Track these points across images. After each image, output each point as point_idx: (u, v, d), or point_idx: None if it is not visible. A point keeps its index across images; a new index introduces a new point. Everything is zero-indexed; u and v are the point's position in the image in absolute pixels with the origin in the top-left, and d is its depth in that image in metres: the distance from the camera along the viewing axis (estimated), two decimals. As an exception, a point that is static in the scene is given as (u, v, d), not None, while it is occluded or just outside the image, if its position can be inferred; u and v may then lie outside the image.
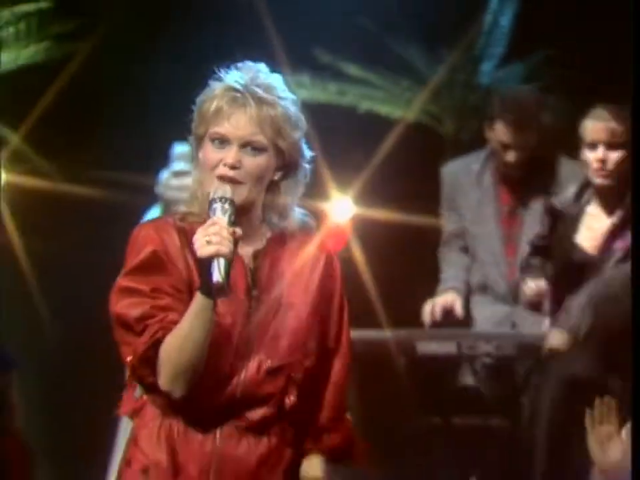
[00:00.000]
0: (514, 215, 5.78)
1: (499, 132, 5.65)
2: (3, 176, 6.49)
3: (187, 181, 5.49)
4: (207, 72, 5.35)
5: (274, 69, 5.84)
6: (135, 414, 2.84)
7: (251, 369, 2.81)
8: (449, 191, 5.97)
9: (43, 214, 6.61)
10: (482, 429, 5.45)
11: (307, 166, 2.85)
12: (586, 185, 5.28)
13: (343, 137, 6.68)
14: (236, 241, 2.59)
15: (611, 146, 5.15)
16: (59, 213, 6.49)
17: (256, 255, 2.79)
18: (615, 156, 5.16)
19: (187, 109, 2.88)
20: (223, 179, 2.65)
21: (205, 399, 2.78)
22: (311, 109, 6.03)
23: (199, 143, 2.77)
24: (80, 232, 6.61)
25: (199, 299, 2.57)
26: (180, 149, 5.84)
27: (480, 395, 5.62)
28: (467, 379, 5.68)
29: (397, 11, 6.85)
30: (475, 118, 6.83)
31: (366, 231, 6.45)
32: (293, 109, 2.76)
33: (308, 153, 2.81)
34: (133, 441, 2.88)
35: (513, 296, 5.68)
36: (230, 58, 5.57)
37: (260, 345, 2.86)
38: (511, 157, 5.59)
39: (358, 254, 6.27)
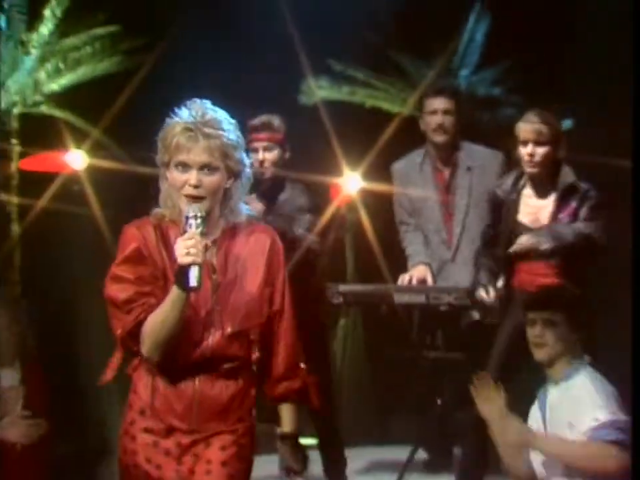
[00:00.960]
0: (447, 190, 6.51)
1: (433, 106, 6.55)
2: (86, 160, 7.49)
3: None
4: (256, 76, 6.27)
5: (300, 75, 6.70)
6: (133, 371, 3.58)
7: (216, 336, 3.52)
8: (399, 179, 6.76)
9: (117, 190, 7.41)
10: (445, 360, 6.34)
11: (248, 170, 3.63)
12: (520, 174, 5.99)
13: (353, 127, 7.63)
14: (205, 250, 3.35)
15: (537, 143, 5.86)
16: (129, 189, 6.97)
17: (214, 243, 3.54)
18: (541, 151, 5.88)
19: (236, 110, 3.77)
20: (189, 197, 3.38)
21: (183, 359, 3.52)
22: (328, 105, 7.27)
23: (165, 166, 3.48)
24: (146, 203, 7.46)
25: (175, 293, 3.30)
26: None
27: (444, 334, 6.51)
28: (434, 322, 6.55)
29: (394, 29, 7.76)
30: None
31: (370, 200, 7.43)
32: (234, 135, 3.50)
33: (247, 162, 3.60)
34: (133, 390, 3.60)
35: (452, 257, 6.52)
36: (270, 66, 6.50)
37: (222, 316, 3.56)
38: (434, 128, 6.41)
39: (365, 219, 7.37)
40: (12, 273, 7.52)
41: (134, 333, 3.48)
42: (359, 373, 8.43)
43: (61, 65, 7.69)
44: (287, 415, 4.87)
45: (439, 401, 6.28)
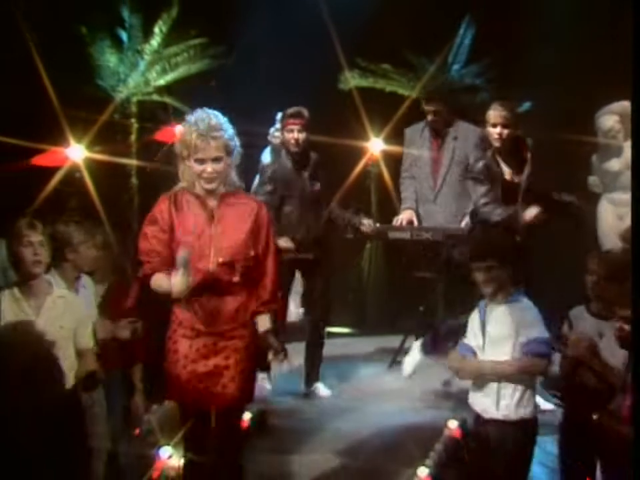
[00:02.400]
0: (438, 151, 7.54)
1: (426, 106, 7.53)
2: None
3: (278, 134, 7.39)
4: (307, 68, 8.50)
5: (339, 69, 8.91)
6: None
7: (213, 263, 4.67)
8: (407, 141, 7.86)
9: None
10: (425, 279, 7.45)
11: (239, 150, 4.70)
12: (490, 146, 6.91)
13: (377, 105, 8.92)
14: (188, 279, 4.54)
15: (503, 126, 6.81)
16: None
17: (215, 202, 4.68)
18: (506, 132, 6.85)
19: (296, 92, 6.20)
20: (206, 179, 4.59)
21: (196, 282, 4.62)
22: (359, 90, 8.88)
23: (185, 157, 4.60)
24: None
25: (167, 285, 4.54)
26: (278, 115, 7.81)
27: (425, 259, 7.59)
28: (418, 251, 7.64)
29: (405, 34, 9.04)
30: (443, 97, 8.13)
31: (389, 159, 8.78)
32: (230, 132, 4.62)
33: (238, 145, 4.68)
34: (173, 308, 4.84)
35: (434, 199, 7.53)
36: (317, 62, 8.53)
37: (217, 251, 4.70)
38: (430, 117, 7.52)
39: (384, 172, 8.68)
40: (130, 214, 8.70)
41: (146, 278, 4.77)
42: (377, 282, 9.89)
43: (166, 67, 9.15)
44: (265, 320, 5.18)
45: (421, 308, 7.44)
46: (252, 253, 4.69)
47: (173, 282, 4.51)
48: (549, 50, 8.62)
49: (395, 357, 7.85)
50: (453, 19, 9.23)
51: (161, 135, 8.73)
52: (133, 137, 8.99)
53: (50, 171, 7.79)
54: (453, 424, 6.16)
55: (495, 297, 5.06)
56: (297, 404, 7.34)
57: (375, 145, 8.85)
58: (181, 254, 4.49)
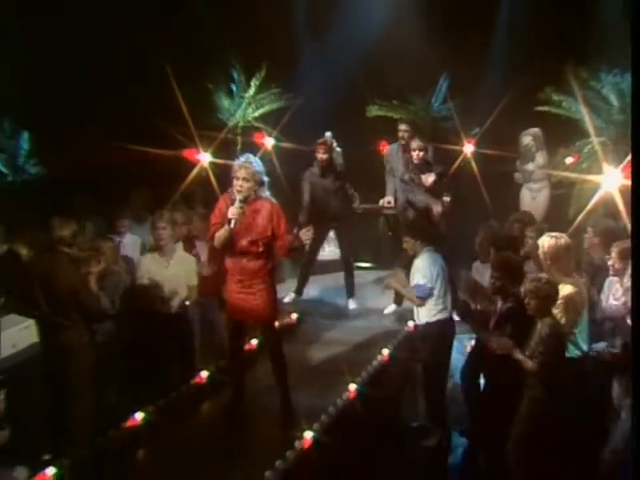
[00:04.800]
0: (407, 160, 7.74)
1: (400, 128, 8.00)
2: (275, 143, 9.31)
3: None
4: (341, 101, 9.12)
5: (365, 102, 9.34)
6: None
7: (244, 241, 5.31)
8: (387, 155, 8.30)
9: (296, 163, 8.64)
10: (400, 239, 6.39)
11: (265, 180, 5.32)
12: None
13: (389, 126, 8.79)
14: (240, 214, 5.10)
15: (420, 150, 7.25)
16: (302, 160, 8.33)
17: (247, 205, 5.26)
18: (421, 154, 7.27)
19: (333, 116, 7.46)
20: (238, 191, 5.19)
21: (235, 250, 5.35)
22: (378, 117, 9.21)
23: (233, 177, 5.25)
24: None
25: (225, 227, 5.16)
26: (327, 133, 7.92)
27: (398, 226, 7.66)
28: (395, 221, 8.04)
29: (408, 82, 9.38)
30: (429, 123, 9.33)
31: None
32: (258, 167, 5.26)
33: (265, 179, 5.34)
34: (226, 262, 5.51)
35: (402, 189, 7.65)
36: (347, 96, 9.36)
37: (247, 233, 5.32)
38: (402, 134, 7.93)
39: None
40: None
41: (212, 239, 5.35)
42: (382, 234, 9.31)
43: (257, 106, 9.64)
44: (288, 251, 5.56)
45: (399, 260, 6.89)
46: (269, 234, 5.41)
47: (230, 211, 5.17)
48: (496, 96, 8.91)
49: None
50: (435, 74, 9.59)
51: (257, 139, 9.39)
52: (239, 148, 9.39)
53: (185, 172, 8.21)
54: (410, 324, 7.03)
55: (412, 252, 5.71)
56: (337, 309, 8.35)
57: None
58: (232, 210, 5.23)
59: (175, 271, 6.33)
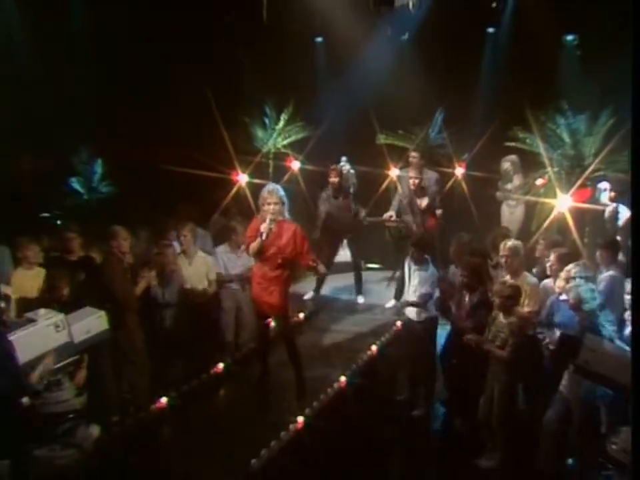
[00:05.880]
0: (413, 184, 7.74)
1: (410, 158, 8.15)
2: (300, 166, 9.39)
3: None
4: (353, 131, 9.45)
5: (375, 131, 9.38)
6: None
7: (270, 252, 5.59)
8: (398, 179, 8.51)
9: (317, 182, 8.78)
10: (404, 244, 6.74)
11: (286, 202, 5.52)
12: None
13: (395, 153, 9.09)
14: (270, 230, 5.44)
15: (415, 178, 7.45)
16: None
17: (275, 225, 5.52)
18: (417, 181, 7.41)
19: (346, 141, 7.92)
20: (271, 214, 5.46)
21: (262, 258, 5.64)
22: (386, 144, 9.26)
23: (262, 204, 5.50)
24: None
25: (257, 240, 5.46)
26: (343, 158, 8.68)
27: (398, 234, 7.82)
28: (397, 232, 7.95)
29: (410, 116, 9.46)
30: (428, 150, 9.26)
31: (404, 181, 8.21)
32: (282, 193, 5.54)
33: (287, 201, 5.53)
34: (254, 267, 5.85)
35: (408, 210, 7.80)
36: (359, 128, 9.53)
37: (272, 248, 5.59)
38: (413, 159, 8.07)
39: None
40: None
41: (248, 249, 5.63)
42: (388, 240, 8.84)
43: (285, 136, 9.75)
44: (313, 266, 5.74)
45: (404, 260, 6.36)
46: (290, 250, 5.69)
47: (262, 228, 5.42)
48: (482, 128, 9.07)
49: (389, 281, 8.74)
50: (433, 109, 9.68)
51: (287, 165, 9.55)
52: (270, 170, 9.65)
53: (226, 190, 8.35)
54: (398, 323, 7.33)
55: (418, 262, 5.85)
56: (348, 303, 8.58)
57: (394, 173, 9.07)
58: (263, 228, 5.48)
59: (196, 268, 6.67)
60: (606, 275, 5.61)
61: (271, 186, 5.61)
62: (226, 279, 6.85)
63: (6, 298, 5.54)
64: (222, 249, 6.93)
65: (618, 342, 4.60)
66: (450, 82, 9.02)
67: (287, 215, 5.66)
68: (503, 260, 5.47)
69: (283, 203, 5.58)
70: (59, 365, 4.83)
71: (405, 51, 9.90)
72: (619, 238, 6.34)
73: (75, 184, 8.53)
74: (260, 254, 5.62)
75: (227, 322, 6.84)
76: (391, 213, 8.13)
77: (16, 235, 6.24)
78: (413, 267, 5.80)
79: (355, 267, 8.51)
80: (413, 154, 8.25)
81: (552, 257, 5.38)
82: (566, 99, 7.38)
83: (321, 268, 5.83)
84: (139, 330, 5.85)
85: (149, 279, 6.14)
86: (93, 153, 8.67)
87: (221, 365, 6.55)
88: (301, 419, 5.55)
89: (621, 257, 5.96)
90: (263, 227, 5.44)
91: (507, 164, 8.70)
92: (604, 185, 7.38)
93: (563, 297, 4.94)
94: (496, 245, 5.71)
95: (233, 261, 6.84)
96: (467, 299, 5.43)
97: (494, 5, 9.43)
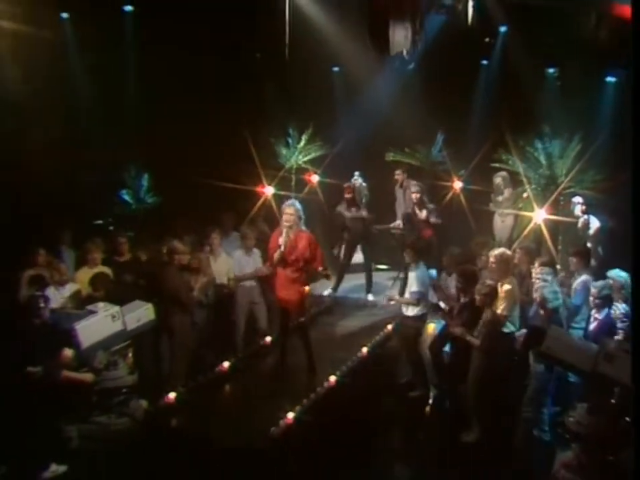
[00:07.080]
0: (405, 194, 8.46)
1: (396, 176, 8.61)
2: (319, 179, 9.46)
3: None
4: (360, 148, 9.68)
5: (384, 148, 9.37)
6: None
7: (290, 259, 5.96)
8: (395, 190, 8.93)
9: (334, 194, 9.03)
10: (403, 243, 6.86)
11: (302, 217, 5.86)
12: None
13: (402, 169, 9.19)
14: (287, 240, 5.77)
15: (417, 193, 7.86)
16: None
17: (292, 234, 5.89)
18: (418, 196, 7.85)
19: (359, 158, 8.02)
20: (287, 224, 5.85)
21: (283, 265, 6.00)
22: (393, 161, 9.33)
23: (280, 216, 5.96)
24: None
25: (278, 251, 5.81)
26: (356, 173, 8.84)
27: (402, 240, 7.88)
28: (400, 237, 8.53)
29: (415, 136, 9.52)
30: (429, 166, 9.51)
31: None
32: (299, 207, 5.93)
33: (302, 215, 5.89)
34: (277, 269, 6.08)
35: (403, 216, 8.49)
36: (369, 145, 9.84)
37: (292, 254, 5.95)
38: (398, 177, 8.70)
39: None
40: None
41: (269, 260, 5.98)
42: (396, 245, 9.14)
43: (306, 154, 9.65)
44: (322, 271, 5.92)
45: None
46: (307, 255, 6.01)
47: (280, 240, 5.71)
48: (477, 147, 9.09)
49: (394, 281, 8.83)
50: (435, 130, 9.77)
51: (307, 179, 9.65)
52: (293, 183, 9.69)
53: (254, 200, 8.47)
54: (390, 327, 7.59)
55: (412, 262, 6.10)
56: (358, 301, 8.85)
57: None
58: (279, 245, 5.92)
59: (219, 265, 7.06)
60: (580, 280, 5.80)
61: (290, 201, 6.02)
62: (241, 278, 7.13)
63: (77, 293, 6.10)
64: (238, 253, 7.25)
65: (581, 335, 5.07)
66: (449, 106, 9.23)
67: (302, 226, 5.94)
68: (491, 265, 5.68)
69: (299, 216, 5.89)
70: (115, 348, 5.30)
71: (410, 80, 9.91)
72: (589, 245, 6.74)
73: (125, 195, 8.67)
74: (282, 262, 5.98)
75: (240, 317, 7.16)
76: (398, 222, 8.72)
77: (79, 240, 6.71)
78: (408, 268, 6.06)
79: (366, 269, 8.88)
80: (398, 172, 8.85)
81: (537, 264, 5.62)
82: (547, 124, 7.54)
83: (328, 275, 6.18)
84: (185, 323, 6.23)
85: (200, 284, 6.57)
86: (141, 169, 8.82)
87: (226, 364, 6.71)
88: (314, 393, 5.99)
89: (593, 262, 6.25)
90: (281, 240, 5.79)
91: (498, 179, 8.80)
92: (577, 199, 7.65)
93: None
94: (476, 251, 6.11)
95: (246, 261, 7.19)
96: (461, 300, 5.72)
97: (487, 40, 9.82)
